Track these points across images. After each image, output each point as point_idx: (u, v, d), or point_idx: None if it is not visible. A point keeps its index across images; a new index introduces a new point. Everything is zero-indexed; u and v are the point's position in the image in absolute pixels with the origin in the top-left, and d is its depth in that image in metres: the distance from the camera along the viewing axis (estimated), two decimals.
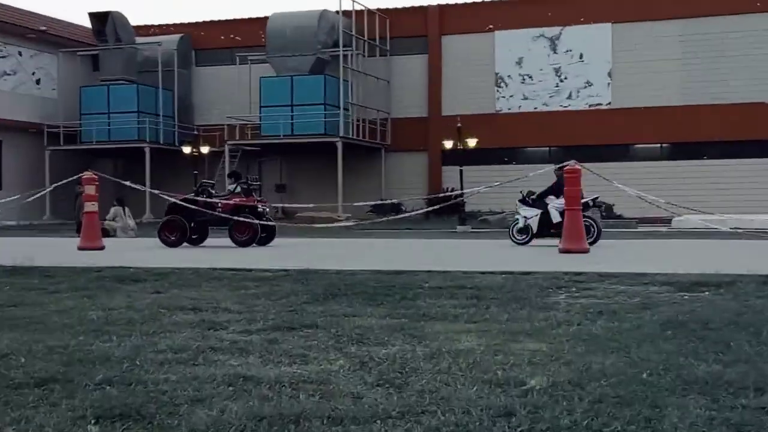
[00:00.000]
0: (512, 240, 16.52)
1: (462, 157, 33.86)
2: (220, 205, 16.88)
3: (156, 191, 18.41)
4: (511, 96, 40.51)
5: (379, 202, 33.39)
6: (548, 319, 6.01)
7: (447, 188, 37.57)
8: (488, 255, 13.47)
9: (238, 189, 17.36)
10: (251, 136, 41.27)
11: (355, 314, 6.36)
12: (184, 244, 16.88)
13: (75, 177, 19.12)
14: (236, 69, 42.01)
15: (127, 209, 24.41)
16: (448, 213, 33.36)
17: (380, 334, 5.48)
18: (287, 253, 14.41)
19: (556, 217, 16.03)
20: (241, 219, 16.63)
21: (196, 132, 41.86)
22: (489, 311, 6.42)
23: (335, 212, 35.15)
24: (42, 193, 17.78)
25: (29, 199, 17.85)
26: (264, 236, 17.09)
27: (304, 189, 42.13)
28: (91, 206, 15.72)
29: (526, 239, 16.34)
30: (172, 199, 17.20)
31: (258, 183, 18.13)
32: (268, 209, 17.52)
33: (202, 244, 17.26)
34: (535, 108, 40.19)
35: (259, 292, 7.82)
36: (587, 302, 6.95)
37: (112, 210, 24.18)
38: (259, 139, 40.03)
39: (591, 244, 15.59)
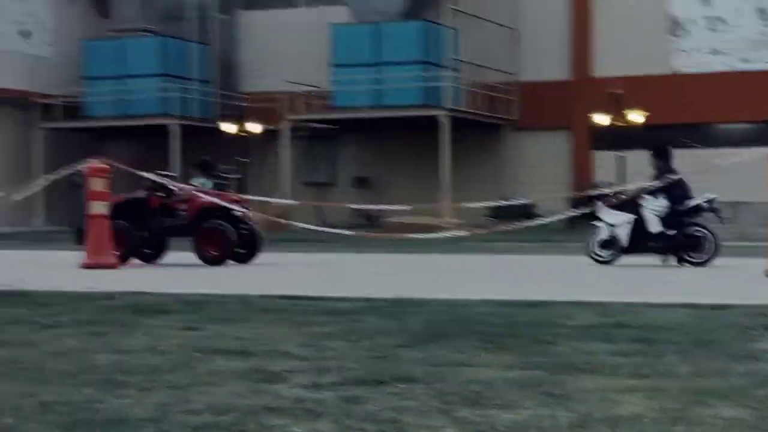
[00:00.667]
0: (591, 256, 16.62)
1: (622, 138, 33.50)
2: (183, 207, 17.06)
3: (187, 186, 18.72)
4: (694, 49, 39.90)
5: (502, 202, 33.28)
6: (752, 374, 5.90)
7: (600, 182, 37.17)
8: (659, 279, 13.29)
9: (209, 184, 17.49)
10: (319, 107, 41.64)
11: (468, 363, 6.35)
12: (134, 260, 17.04)
13: (75, 166, 19.56)
14: (300, 13, 42.49)
15: None
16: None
17: (504, 392, 5.46)
18: (360, 275, 14.48)
19: (654, 226, 16.13)
20: (211, 226, 16.83)
21: (243, 103, 42.41)
22: (664, 361, 6.35)
23: (439, 217, 35.15)
24: (34, 189, 18.16)
25: (18, 198, 18.11)
26: (244, 251, 17.22)
27: (394, 184, 42.26)
28: (98, 207, 16.09)
29: (613, 255, 16.46)
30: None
31: (238, 177, 18.12)
32: (250, 212, 17.68)
33: (160, 261, 17.47)
34: (731, 67, 39.48)
35: (332, 330, 7.88)
36: None
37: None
38: (331, 112, 40.36)
39: (702, 263, 15.83)
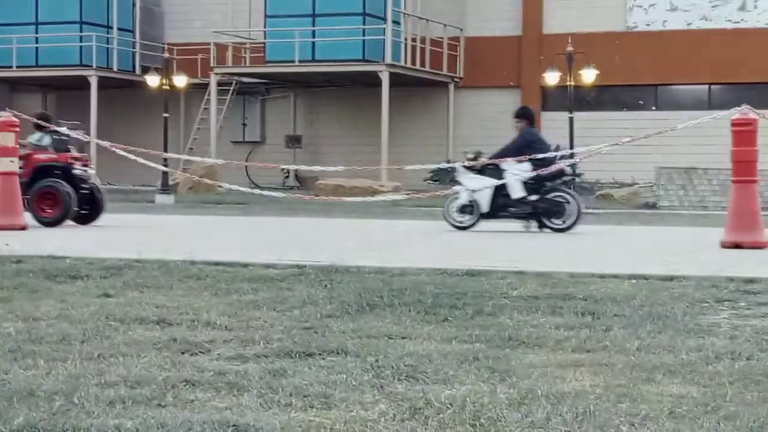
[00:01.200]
0: (449, 222, 17.02)
1: (573, 99, 33.69)
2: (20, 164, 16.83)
3: (104, 143, 18.59)
4: (651, 5, 40.18)
5: (444, 165, 33.37)
6: (702, 348, 5.98)
7: (550, 146, 37.43)
8: (608, 250, 13.41)
9: (46, 141, 17.57)
10: (250, 61, 41.47)
11: (404, 335, 6.38)
12: None
13: None
14: None
15: None
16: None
17: (442, 366, 5.49)
18: (291, 237, 14.50)
19: (516, 191, 16.57)
20: (46, 185, 16.93)
21: (167, 54, 42.02)
22: (610, 335, 6.41)
23: (376, 180, 35.21)
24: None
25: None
26: (85, 212, 17.46)
27: (329, 144, 42.26)
28: (9, 164, 15.93)
29: (471, 221, 16.88)
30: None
31: (80, 133, 18.34)
32: (91, 170, 17.87)
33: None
34: (689, 24, 39.82)
35: (258, 298, 7.89)
36: (763, 324, 6.90)
37: None
38: (263, 66, 40.20)
39: (564, 229, 16.41)
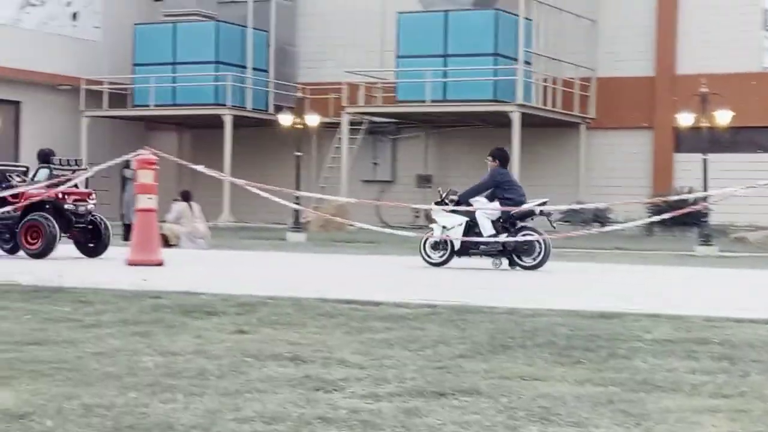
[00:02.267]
0: (424, 258, 17.41)
1: (707, 141, 33.20)
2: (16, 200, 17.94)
3: (239, 181, 18.87)
4: None
5: (575, 206, 33.15)
6: None
7: (682, 188, 37.01)
8: (743, 295, 13.18)
9: (41, 176, 18.42)
10: (382, 100, 41.73)
11: (537, 377, 6.35)
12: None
13: (124, 157, 19.80)
14: (363, 0, 42.61)
15: (196, 207, 25.13)
16: (683, 226, 32.78)
17: (576, 408, 5.45)
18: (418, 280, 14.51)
19: (486, 230, 16.97)
20: (32, 219, 17.68)
21: (300, 93, 42.54)
22: (747, 381, 6.31)
23: None
24: (77, 179, 18.49)
25: (61, 189, 18.45)
26: (91, 246, 18.32)
27: (459, 184, 42.06)
28: (147, 201, 16.25)
29: (444, 257, 17.25)
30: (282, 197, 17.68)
31: (81, 168, 19.23)
32: (92, 205, 18.43)
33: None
34: None
35: (391, 337, 7.92)
36: None
37: (175, 208, 24.95)
38: (394, 105, 40.43)
39: (533, 267, 16.71)
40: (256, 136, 43.57)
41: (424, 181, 42.73)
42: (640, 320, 9.00)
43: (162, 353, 7.09)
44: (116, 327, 8.38)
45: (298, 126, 34.81)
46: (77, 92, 41.91)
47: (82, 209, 18.22)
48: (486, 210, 17.07)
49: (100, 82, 42.25)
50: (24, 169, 19.46)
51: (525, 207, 17.16)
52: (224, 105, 41.26)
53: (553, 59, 40.43)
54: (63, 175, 18.33)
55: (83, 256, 18.29)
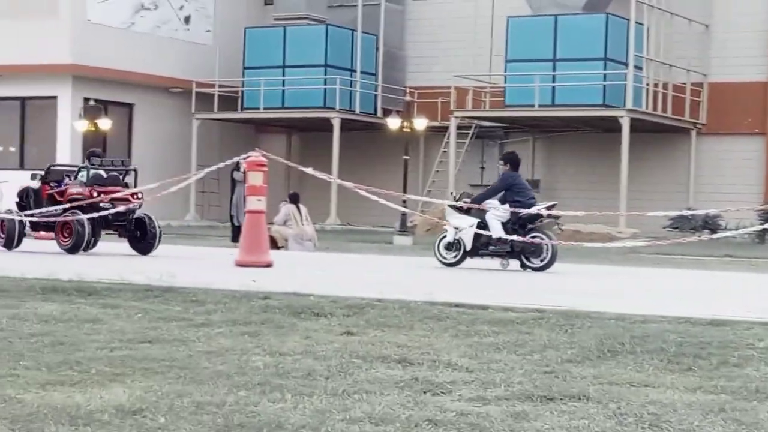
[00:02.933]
0: (438, 259, 17.99)
1: None
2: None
3: (347, 183, 18.97)
4: None
5: (685, 212, 32.79)
6: None
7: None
8: None
9: (82, 176, 19.60)
10: (490, 105, 41.67)
11: (646, 383, 6.31)
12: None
13: (234, 160, 20.04)
14: (473, 4, 42.60)
15: (303, 210, 25.30)
16: None
17: (687, 416, 5.40)
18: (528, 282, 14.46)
19: (497, 231, 17.39)
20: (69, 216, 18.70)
21: (408, 97, 42.66)
22: None
23: (614, 226, 34.82)
24: (188, 181, 18.81)
25: (172, 190, 18.97)
26: (141, 243, 19.39)
27: (567, 188, 42.01)
28: (256, 203, 16.41)
29: (457, 258, 17.78)
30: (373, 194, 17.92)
31: (126, 168, 20.32)
32: (135, 205, 19.37)
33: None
34: None
35: (499, 341, 7.92)
36: None
37: (283, 210, 25.15)
38: (503, 110, 40.34)
39: (541, 269, 17.16)
40: (363, 140, 43.75)
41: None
42: (752, 328, 8.88)
43: (271, 353, 7.17)
44: (226, 327, 8.49)
45: (406, 130, 34.90)
46: (189, 95, 42.45)
47: (121, 208, 18.95)
48: (496, 212, 17.52)
49: (211, 85, 42.73)
50: (75, 169, 20.37)
51: (534, 210, 17.57)
52: (333, 108, 41.49)
53: (664, 64, 40.00)
54: (113, 175, 19.69)
55: (135, 252, 19.30)
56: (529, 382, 6.23)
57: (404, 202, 28.18)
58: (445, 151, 41.21)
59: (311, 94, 42.01)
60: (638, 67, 38.73)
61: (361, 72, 42.92)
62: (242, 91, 43.09)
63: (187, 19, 43.55)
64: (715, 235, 26.68)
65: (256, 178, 16.44)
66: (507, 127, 42.81)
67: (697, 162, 40.59)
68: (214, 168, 19.96)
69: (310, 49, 42.19)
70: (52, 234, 19.31)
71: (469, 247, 17.63)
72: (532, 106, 38.49)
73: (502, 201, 17.64)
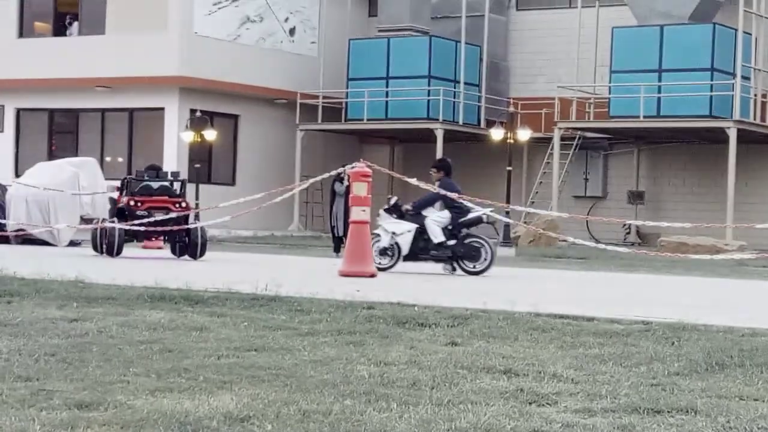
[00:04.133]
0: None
1: None
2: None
3: (451, 194, 18.96)
4: None
5: None
6: None
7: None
8: None
9: (132, 186, 21.46)
10: (594, 115, 41.38)
11: (755, 397, 6.23)
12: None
13: (336, 171, 20.18)
14: (576, 14, 42.37)
15: None
16: None
17: None
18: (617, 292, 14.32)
19: (437, 236, 17.92)
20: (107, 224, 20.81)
21: (512, 108, 42.56)
22: None
23: (721, 239, 34.35)
24: (294, 191, 19.01)
25: (277, 200, 19.27)
26: (183, 249, 21.06)
27: (672, 201, 41.57)
28: (360, 213, 16.49)
29: (391, 263, 18.17)
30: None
31: (179, 179, 22.05)
32: (176, 213, 20.76)
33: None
34: None
35: (604, 353, 7.86)
36: None
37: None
38: (607, 121, 40.04)
39: (479, 272, 17.75)
40: (467, 151, 43.69)
41: (637, 197, 42.16)
42: None
43: (376, 363, 7.19)
44: (331, 336, 8.54)
45: (510, 141, 34.79)
46: (293, 106, 42.75)
47: (158, 215, 20.39)
48: (436, 218, 18.08)
49: (315, 97, 43.00)
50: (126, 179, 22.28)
51: (472, 215, 18.15)
52: (436, 119, 41.49)
53: None
54: (163, 185, 21.52)
55: (174, 256, 21.24)
56: (636, 395, 6.18)
57: (507, 212, 28.09)
58: (548, 162, 41.01)
59: (415, 105, 42.07)
60: (746, 78, 38.20)
61: (465, 83, 42.88)
62: (346, 102, 43.28)
63: (291, 31, 43.89)
64: None
65: (360, 189, 16.53)
66: (611, 138, 42.49)
67: None
68: (318, 179, 20.12)
69: (414, 60, 42.26)
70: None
71: (406, 251, 18.15)
72: (637, 117, 38.14)
73: (441, 207, 18.28)
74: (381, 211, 18.73)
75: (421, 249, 18.10)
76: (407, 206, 18.50)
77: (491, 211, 18.75)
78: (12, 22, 42.61)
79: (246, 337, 8.41)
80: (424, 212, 18.27)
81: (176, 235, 20.86)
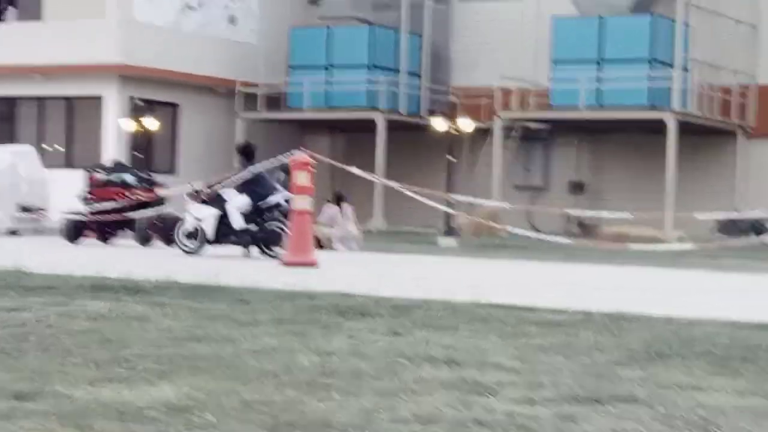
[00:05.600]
0: (180, 247, 19.18)
1: None
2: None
3: (393, 184, 19.00)
4: None
5: (732, 216, 32.57)
6: None
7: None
8: None
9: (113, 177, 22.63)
10: (535, 106, 41.55)
11: (695, 386, 6.28)
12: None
13: (279, 159, 20.10)
14: (519, 5, 42.53)
15: (348, 209, 25.34)
16: None
17: (736, 419, 5.37)
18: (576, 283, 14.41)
19: (236, 222, 18.64)
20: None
21: (453, 98, 42.66)
22: None
23: (660, 229, 34.65)
24: (234, 179, 18.99)
25: (217, 189, 19.32)
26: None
27: (612, 191, 41.86)
28: (302, 203, 16.47)
29: (197, 247, 18.95)
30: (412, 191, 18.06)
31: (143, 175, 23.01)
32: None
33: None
34: None
35: (546, 342, 7.90)
36: None
37: (327, 211, 25.20)
38: (548, 111, 40.24)
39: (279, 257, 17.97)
40: (408, 140, 43.73)
41: (577, 188, 42.42)
42: None
43: (317, 353, 7.18)
44: (272, 326, 8.52)
45: (451, 131, 34.88)
46: (233, 95, 42.61)
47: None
48: (236, 203, 18.67)
49: (255, 85, 42.87)
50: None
51: (271, 200, 18.73)
52: (378, 108, 41.52)
53: (711, 65, 39.76)
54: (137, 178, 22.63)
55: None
56: (577, 384, 6.21)
57: (449, 203, 28.17)
58: (489, 152, 41.13)
59: (356, 95, 42.06)
60: (685, 69, 38.53)
61: (406, 72, 42.92)
62: (286, 91, 43.18)
63: (232, 19, 43.69)
64: (762, 238, 26.46)
65: (302, 178, 16.50)
66: (552, 129, 42.70)
67: (744, 165, 40.35)
68: (259, 168, 20.06)
69: (355, 49, 42.24)
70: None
71: (211, 236, 18.85)
72: (578, 107, 38.38)
73: (241, 192, 18.79)
74: (185, 195, 19.81)
75: (224, 234, 18.79)
76: (207, 189, 19.32)
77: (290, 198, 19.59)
78: None
79: (187, 327, 8.37)
80: (226, 197, 18.88)
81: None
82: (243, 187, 18.81)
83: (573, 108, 38.67)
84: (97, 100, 39.77)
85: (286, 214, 18.97)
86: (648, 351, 7.50)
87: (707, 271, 19.86)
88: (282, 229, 18.34)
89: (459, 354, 7.23)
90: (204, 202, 19.10)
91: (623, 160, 42.19)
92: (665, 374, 6.65)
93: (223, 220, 18.74)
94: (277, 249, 18.35)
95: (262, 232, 18.63)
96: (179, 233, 19.21)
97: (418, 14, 43.39)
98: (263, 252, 18.68)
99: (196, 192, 19.46)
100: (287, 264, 15.95)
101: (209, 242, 18.89)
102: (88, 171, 23.22)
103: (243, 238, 18.75)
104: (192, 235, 19.03)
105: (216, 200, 18.97)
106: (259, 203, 18.61)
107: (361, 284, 12.37)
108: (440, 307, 9.81)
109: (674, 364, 7.07)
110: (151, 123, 36.82)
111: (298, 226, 16.48)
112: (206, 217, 18.87)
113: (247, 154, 19.44)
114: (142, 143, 37.26)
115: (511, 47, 42.46)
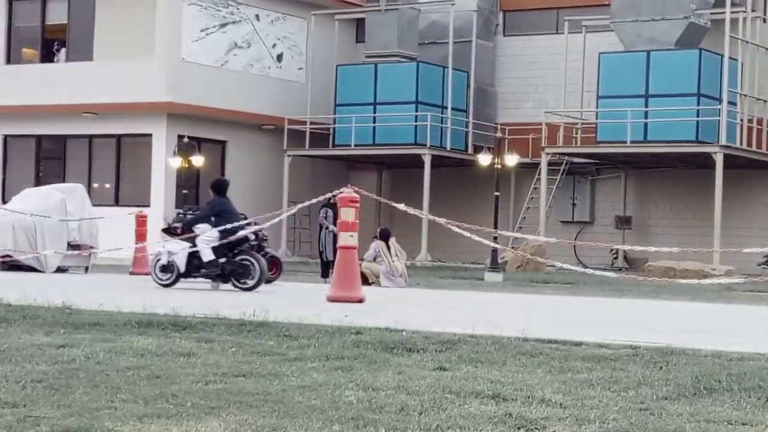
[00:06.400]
0: (154, 280, 19.54)
1: None
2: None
3: (439, 219, 18.97)
4: None
5: None
6: None
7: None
8: None
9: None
10: (581, 141, 41.48)
11: (744, 421, 6.22)
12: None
13: (326, 197, 20.19)
14: (563, 40, 42.54)
15: (394, 246, 25.31)
16: None
17: None
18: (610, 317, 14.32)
19: (206, 255, 18.95)
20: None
21: (499, 134, 42.58)
22: None
23: (708, 263, 34.41)
24: (280, 217, 19.11)
25: (265, 226, 19.52)
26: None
27: (659, 225, 41.65)
28: (348, 239, 16.48)
29: (171, 280, 19.38)
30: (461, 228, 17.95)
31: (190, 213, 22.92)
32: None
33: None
34: None
35: (593, 377, 7.85)
36: None
37: (373, 246, 25.18)
38: (594, 146, 40.14)
39: (250, 288, 18.68)
40: (454, 176, 43.77)
41: (624, 222, 42.24)
42: None
43: (364, 388, 7.17)
44: (319, 361, 8.52)
45: (497, 166, 34.84)
46: (281, 132, 42.80)
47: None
48: (206, 237, 19.00)
49: (302, 122, 43.06)
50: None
51: (241, 234, 19.04)
52: (424, 145, 41.55)
53: (758, 99, 39.56)
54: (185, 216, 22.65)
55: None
56: (624, 419, 6.17)
57: (495, 238, 28.11)
58: (536, 188, 41.08)
59: (402, 131, 42.13)
60: (732, 103, 38.36)
61: (452, 108, 42.97)
62: (333, 128, 43.32)
63: (279, 57, 43.95)
64: None
65: (348, 214, 16.51)
66: (598, 164, 42.60)
67: None
68: (305, 204, 20.14)
69: (401, 86, 42.34)
70: None
71: (183, 269, 19.21)
72: (624, 142, 38.26)
73: (214, 226, 19.09)
74: (160, 231, 20.26)
75: (195, 267, 19.17)
76: (176, 224, 20.00)
77: (262, 229, 20.10)
78: (0, 49, 42.64)
79: (234, 362, 8.39)
80: (198, 231, 19.19)
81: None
82: (212, 221, 19.28)
83: (619, 143, 38.55)
84: (146, 137, 40.09)
85: (255, 247, 19.73)
86: (696, 386, 7.44)
87: (755, 305, 19.69)
88: (251, 262, 18.86)
89: (505, 389, 7.20)
90: (179, 236, 19.59)
91: (670, 195, 41.97)
92: (714, 409, 6.59)
93: (195, 254, 19.16)
94: (247, 281, 18.85)
95: (230, 264, 19.02)
96: (156, 267, 19.62)
97: (464, 50, 43.48)
98: (234, 285, 19.07)
99: (168, 228, 20.19)
100: (333, 300, 15.94)
101: (181, 275, 19.34)
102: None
103: (212, 271, 19.12)
104: (166, 268, 19.45)
105: (189, 234, 19.49)
106: (229, 237, 18.91)
107: (408, 320, 12.34)
108: (487, 342, 9.77)
109: (723, 399, 7.01)
110: (199, 160, 37.01)
111: (344, 261, 16.47)
112: (179, 251, 19.28)
113: (219, 189, 19.85)
114: (189, 181, 37.45)
115: (556, 82, 42.43)
